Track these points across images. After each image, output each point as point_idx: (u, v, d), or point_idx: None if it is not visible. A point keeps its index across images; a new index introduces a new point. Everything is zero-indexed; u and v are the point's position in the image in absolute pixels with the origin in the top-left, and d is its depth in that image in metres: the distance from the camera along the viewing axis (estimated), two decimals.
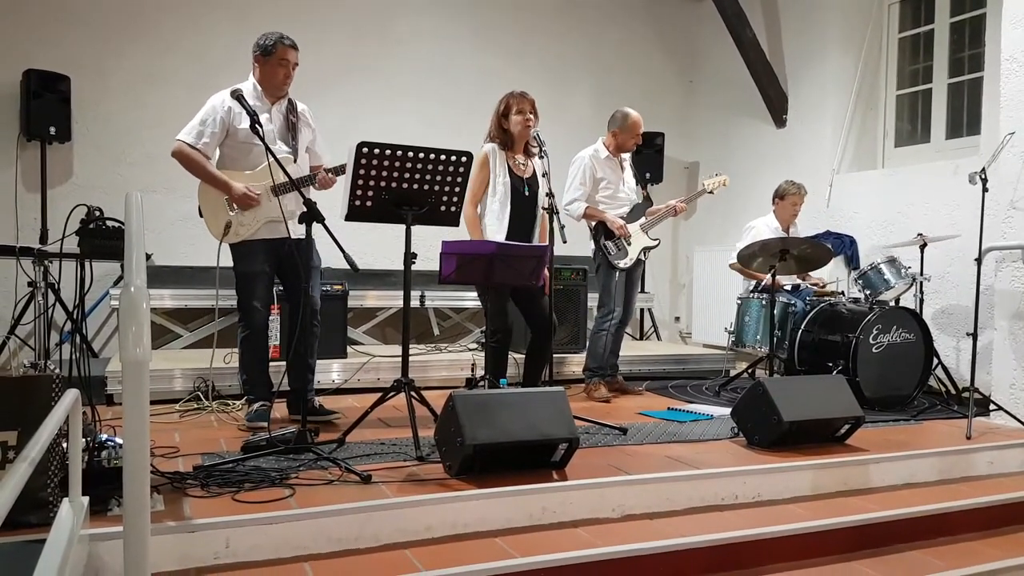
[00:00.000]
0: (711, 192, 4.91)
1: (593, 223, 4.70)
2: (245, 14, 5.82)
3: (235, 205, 3.56)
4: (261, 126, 3.32)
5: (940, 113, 5.65)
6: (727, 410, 3.89)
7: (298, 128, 3.73)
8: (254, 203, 3.50)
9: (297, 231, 3.48)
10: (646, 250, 4.77)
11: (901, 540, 2.88)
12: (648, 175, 6.95)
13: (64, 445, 2.17)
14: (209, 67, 5.63)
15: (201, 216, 3.63)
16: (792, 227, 5.39)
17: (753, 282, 5.26)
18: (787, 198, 5.28)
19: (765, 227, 5.26)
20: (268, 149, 3.24)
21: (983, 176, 4.03)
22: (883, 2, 6.04)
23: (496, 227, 4.01)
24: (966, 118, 5.50)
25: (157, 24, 5.65)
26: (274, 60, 3.62)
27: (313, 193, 3.62)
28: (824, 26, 6.17)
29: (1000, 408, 4.13)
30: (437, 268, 3.57)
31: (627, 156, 4.86)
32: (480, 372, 3.93)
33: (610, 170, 4.72)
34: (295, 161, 3.65)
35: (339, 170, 3.65)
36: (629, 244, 4.66)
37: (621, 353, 4.95)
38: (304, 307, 3.43)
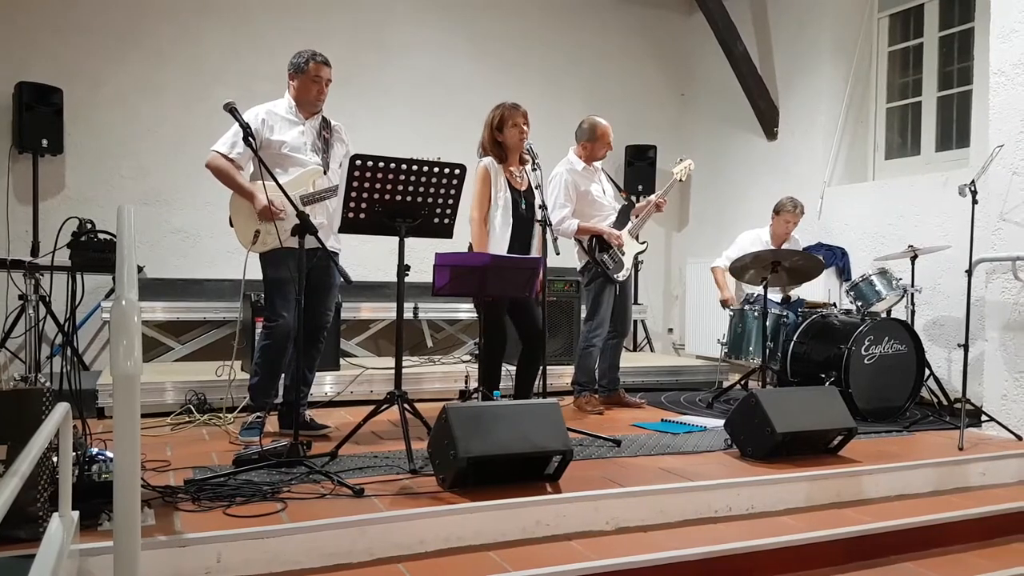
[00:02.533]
0: (681, 180, 4.91)
1: (585, 238, 4.64)
2: (240, 25, 5.84)
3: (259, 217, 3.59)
4: (254, 139, 3.36)
5: (930, 126, 5.70)
6: (720, 422, 3.89)
7: (330, 143, 3.80)
8: (277, 216, 3.51)
9: (330, 242, 3.55)
10: (638, 255, 4.77)
11: (894, 552, 2.88)
12: (641, 187, 6.98)
13: (54, 459, 2.15)
14: (203, 78, 5.65)
15: (231, 226, 3.65)
16: (787, 243, 5.35)
17: (745, 293, 5.28)
18: (781, 214, 5.25)
19: (751, 240, 5.28)
20: (263, 163, 3.28)
21: (973, 188, 4.05)
22: (872, 16, 6.09)
23: (500, 240, 4.00)
24: (955, 131, 5.54)
25: (150, 36, 5.65)
26: (308, 77, 3.67)
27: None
28: (814, 40, 6.23)
29: (992, 419, 4.14)
30: (430, 280, 3.57)
31: (599, 165, 4.83)
32: (474, 384, 3.92)
33: (589, 181, 4.70)
34: (325, 173, 3.70)
35: (332, 191, 3.68)
36: (623, 254, 4.66)
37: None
38: (300, 318, 3.42)
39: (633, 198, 4.92)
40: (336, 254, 3.70)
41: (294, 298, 3.63)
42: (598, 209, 4.70)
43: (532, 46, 6.89)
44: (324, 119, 3.83)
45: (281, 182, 3.37)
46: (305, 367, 3.69)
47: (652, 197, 4.83)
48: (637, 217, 4.76)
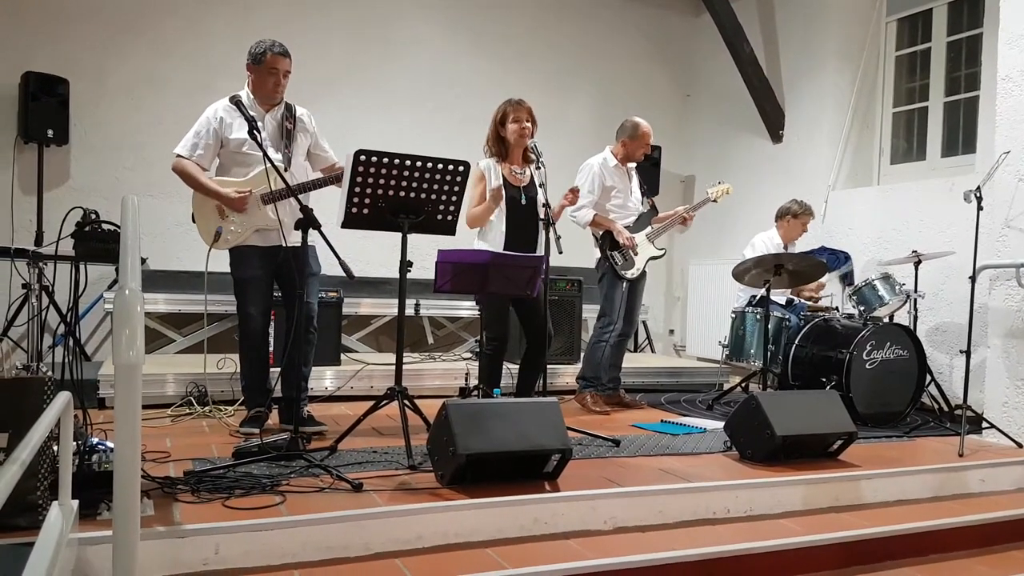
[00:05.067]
0: (715, 200, 4.93)
1: (599, 232, 4.70)
2: (245, 18, 5.83)
3: (226, 210, 3.57)
4: (260, 132, 3.32)
5: (936, 131, 5.69)
6: (720, 424, 3.89)
7: (293, 135, 3.69)
8: (244, 204, 3.53)
9: (292, 239, 3.38)
10: (652, 259, 4.79)
11: (892, 557, 2.87)
12: (644, 188, 6.95)
13: (55, 448, 2.16)
14: (207, 71, 5.64)
15: (194, 222, 3.66)
16: (791, 244, 5.40)
17: (747, 295, 5.27)
18: (799, 217, 5.30)
19: (765, 244, 5.28)
20: (267, 157, 3.25)
21: (978, 194, 4.05)
22: (880, 20, 6.08)
23: (496, 236, 4.01)
24: (962, 137, 5.53)
25: (156, 27, 5.65)
26: (264, 69, 3.59)
27: (312, 200, 3.62)
28: (822, 43, 6.21)
29: (992, 426, 4.13)
30: (432, 277, 3.57)
31: (633, 166, 4.87)
32: (474, 381, 3.92)
33: (619, 179, 4.75)
34: (287, 169, 3.58)
35: (336, 178, 3.65)
36: (636, 255, 4.67)
37: None
38: (299, 314, 3.42)
39: (652, 201, 4.91)
40: (296, 249, 3.45)
41: (260, 294, 3.67)
42: (620, 208, 4.73)
43: (537, 45, 6.88)
44: (288, 107, 3.71)
45: (239, 180, 3.41)
46: (300, 361, 3.68)
47: (680, 208, 4.85)
48: (655, 226, 4.78)
